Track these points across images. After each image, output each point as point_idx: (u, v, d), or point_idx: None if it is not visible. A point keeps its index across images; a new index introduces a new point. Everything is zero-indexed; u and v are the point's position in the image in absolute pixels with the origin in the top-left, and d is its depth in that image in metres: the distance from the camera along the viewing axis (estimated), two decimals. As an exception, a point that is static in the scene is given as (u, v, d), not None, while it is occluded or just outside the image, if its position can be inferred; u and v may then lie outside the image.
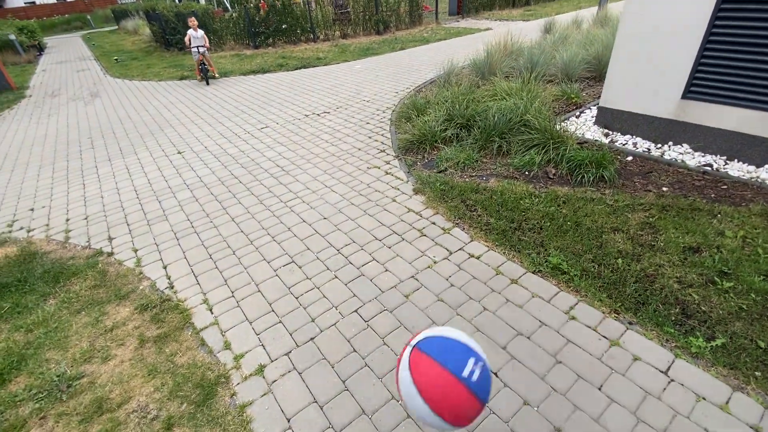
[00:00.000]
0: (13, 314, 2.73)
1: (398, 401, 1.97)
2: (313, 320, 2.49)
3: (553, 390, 1.96)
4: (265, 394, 2.07)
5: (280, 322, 2.50)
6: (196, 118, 6.65)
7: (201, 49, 8.52)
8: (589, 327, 2.27)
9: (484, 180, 3.82)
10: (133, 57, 13.52)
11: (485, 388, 1.07)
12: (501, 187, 3.61)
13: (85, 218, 3.90)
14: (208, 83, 8.81)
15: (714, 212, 3.01)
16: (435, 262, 2.88)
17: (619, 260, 2.68)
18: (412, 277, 2.76)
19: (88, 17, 30.01)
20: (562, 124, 4.33)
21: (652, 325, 2.24)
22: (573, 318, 2.34)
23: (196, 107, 7.30)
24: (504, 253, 2.90)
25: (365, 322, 2.44)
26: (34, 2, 36.73)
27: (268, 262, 3.04)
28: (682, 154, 3.82)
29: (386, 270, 2.85)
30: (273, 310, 2.60)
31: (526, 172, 3.86)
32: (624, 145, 4.15)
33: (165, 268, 3.09)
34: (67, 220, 3.91)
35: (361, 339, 2.33)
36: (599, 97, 4.69)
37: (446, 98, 5.15)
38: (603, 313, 2.35)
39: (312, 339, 2.36)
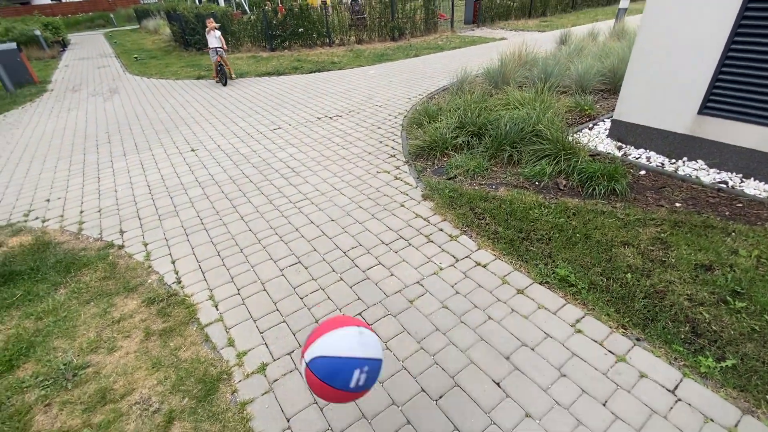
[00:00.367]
0: (25, 302, 2.79)
1: (398, 407, 1.96)
2: (316, 321, 2.50)
3: (556, 403, 1.93)
4: (266, 393, 2.07)
5: (284, 321, 2.51)
6: (211, 117, 6.75)
7: (219, 51, 8.65)
8: (596, 341, 2.24)
9: (493, 188, 3.81)
10: (153, 56, 13.81)
11: (372, 382, 1.33)
12: (510, 197, 3.59)
13: (99, 211, 3.98)
14: (225, 84, 8.94)
15: (728, 230, 2.95)
16: (441, 269, 2.87)
17: (629, 275, 2.64)
18: (418, 282, 2.76)
19: (111, 16, 30.79)
20: (575, 135, 4.30)
21: (660, 343, 2.20)
22: (579, 331, 2.31)
23: (211, 106, 7.41)
24: (511, 262, 2.88)
25: (369, 325, 2.44)
26: (60, 0, 37.78)
27: (275, 262, 3.06)
28: (696, 170, 3.76)
29: (392, 274, 2.85)
30: (278, 309, 2.61)
31: (537, 183, 3.83)
32: (637, 158, 4.11)
33: (173, 263, 3.13)
34: (81, 212, 3.99)
35: (364, 342, 2.32)
36: (613, 109, 4.66)
37: (458, 106, 5.15)
38: (610, 327, 2.32)
39: (315, 340, 2.36)
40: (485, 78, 6.81)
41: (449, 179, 4.05)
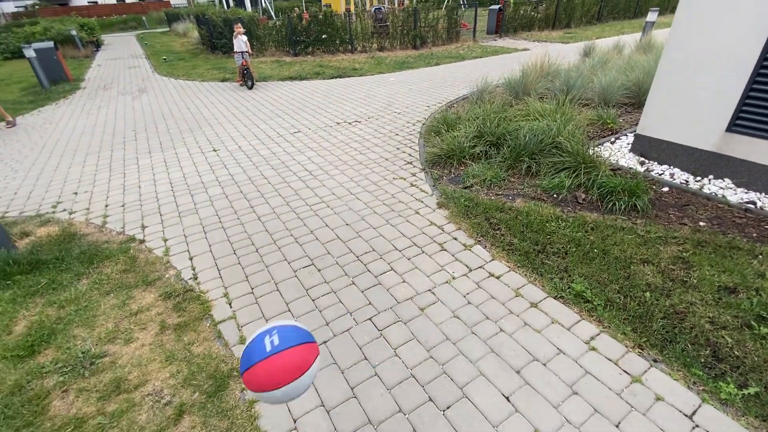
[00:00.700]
0: (49, 290, 2.89)
1: (405, 415, 1.95)
2: (327, 324, 2.51)
3: (566, 421, 1.89)
4: (274, 393, 2.09)
5: (296, 323, 2.53)
6: (233, 119, 6.91)
7: (245, 55, 8.84)
8: (610, 360, 2.18)
9: (510, 199, 3.77)
10: (181, 57, 14.25)
11: (289, 341, 1.20)
12: (527, 208, 3.55)
13: (122, 206, 4.11)
14: (251, 87, 9.11)
15: (755, 252, 2.85)
16: (453, 278, 2.85)
17: (648, 293, 2.57)
18: (429, 290, 2.75)
19: (143, 18, 31.99)
20: (596, 149, 4.23)
21: (678, 365, 2.13)
22: (593, 349, 2.25)
23: (234, 108, 7.59)
24: (525, 275, 2.84)
25: (378, 331, 2.44)
26: (96, 2, 39.47)
27: (289, 263, 3.10)
28: (723, 188, 3.65)
29: (403, 281, 2.85)
30: (289, 310, 2.63)
31: (555, 195, 3.78)
32: (660, 175, 4.01)
33: (191, 259, 3.20)
34: (106, 205, 4.13)
35: (373, 348, 2.33)
36: (636, 123, 4.57)
37: (478, 115, 5.14)
38: (626, 347, 2.25)
39: (325, 342, 2.38)
40: (506, 88, 6.78)
41: (465, 188, 4.03)
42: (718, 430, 1.83)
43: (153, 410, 2.01)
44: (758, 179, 3.51)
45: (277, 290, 2.82)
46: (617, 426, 1.86)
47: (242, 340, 2.41)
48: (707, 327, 2.31)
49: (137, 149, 5.70)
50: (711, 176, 3.80)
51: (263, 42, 13.32)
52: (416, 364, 2.21)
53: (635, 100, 6.05)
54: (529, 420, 1.90)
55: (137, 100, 8.60)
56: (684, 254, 2.89)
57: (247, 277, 2.97)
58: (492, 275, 2.86)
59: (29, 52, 9.66)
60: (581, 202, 3.65)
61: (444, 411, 1.96)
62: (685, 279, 2.67)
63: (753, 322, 2.30)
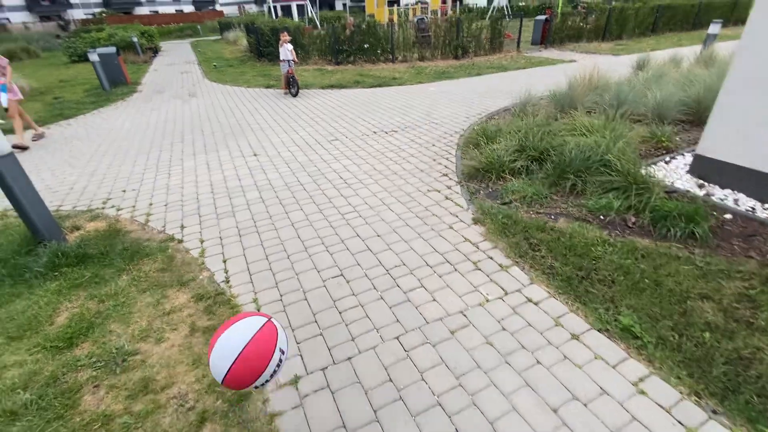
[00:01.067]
0: (92, 284, 3.03)
1: (429, 446, 1.84)
2: (353, 339, 2.44)
3: (609, 473, 1.70)
4: (295, 407, 2.04)
5: (321, 334, 2.49)
6: (275, 125, 7.09)
7: (291, 63, 9.05)
8: (662, 407, 1.96)
9: (552, 219, 3.57)
10: (229, 64, 14.93)
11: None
12: (571, 229, 3.34)
13: (165, 205, 4.27)
14: (295, 95, 9.28)
15: (838, 295, 2.50)
16: (487, 300, 2.70)
17: (707, 334, 2.31)
18: (461, 312, 2.61)
19: (198, 27, 33.99)
20: (649, 168, 3.93)
21: (742, 420, 1.88)
22: (642, 392, 2.03)
23: (276, 115, 7.80)
24: (567, 303, 2.64)
25: (405, 351, 2.34)
26: (157, 11, 42.43)
27: (319, 272, 3.07)
28: (798, 219, 3.26)
29: (434, 300, 2.73)
30: (316, 321, 2.59)
31: (602, 217, 3.53)
32: (722, 200, 3.65)
33: (224, 261, 3.25)
34: (150, 204, 4.32)
35: (399, 369, 2.23)
36: (695, 143, 4.21)
37: (520, 128, 4.94)
38: (681, 393, 2.02)
39: (349, 359, 2.31)
40: (550, 101, 6.51)
41: (503, 204, 3.86)
42: (793, 505, 1.58)
43: (177, 414, 2.02)
44: (843, 211, 3.10)
45: (305, 299, 2.79)
46: (669, 485, 1.65)
47: (267, 349, 2.38)
48: (780, 379, 2.03)
49: (183, 151, 5.95)
50: (784, 205, 3.42)
51: (307, 51, 13.69)
52: (444, 392, 2.09)
53: (694, 118, 5.61)
54: (567, 467, 1.73)
55: (187, 104, 9.05)
56: (750, 291, 2.58)
57: (277, 283, 2.97)
58: (530, 300, 2.68)
59: (93, 57, 10.46)
60: (631, 225, 3.38)
61: (471, 446, 1.83)
62: (751, 320, 2.38)
63: (837, 378, 2.00)
